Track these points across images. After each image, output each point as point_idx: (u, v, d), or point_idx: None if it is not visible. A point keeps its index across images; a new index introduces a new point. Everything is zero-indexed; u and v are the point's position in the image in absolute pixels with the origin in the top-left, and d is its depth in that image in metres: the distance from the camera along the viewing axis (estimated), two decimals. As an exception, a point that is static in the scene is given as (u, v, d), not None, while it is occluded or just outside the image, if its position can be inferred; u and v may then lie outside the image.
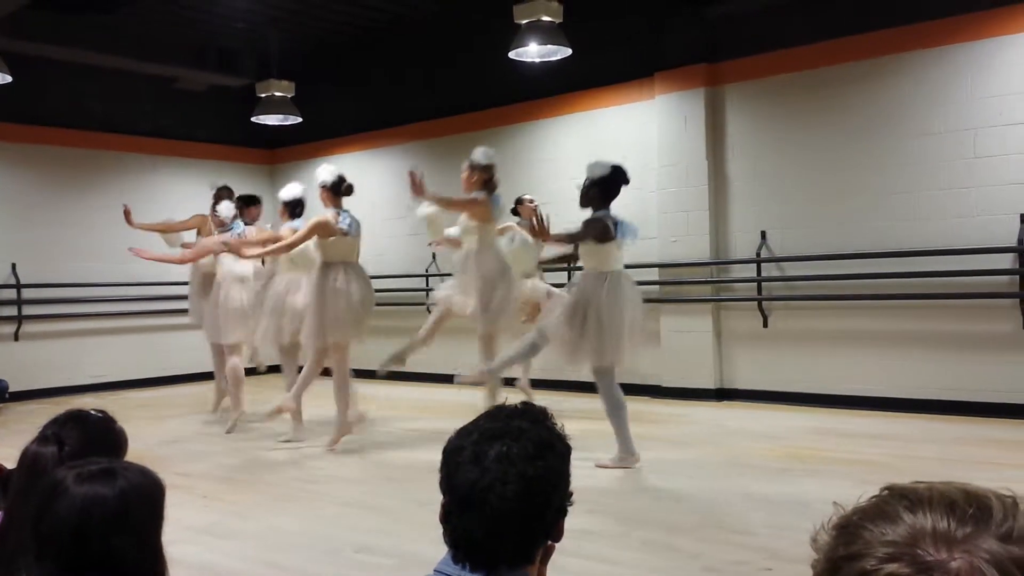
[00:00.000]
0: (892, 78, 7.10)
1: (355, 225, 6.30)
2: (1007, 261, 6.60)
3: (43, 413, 2.18)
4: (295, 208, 6.92)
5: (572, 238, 5.49)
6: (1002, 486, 0.76)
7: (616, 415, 5.45)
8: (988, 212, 6.67)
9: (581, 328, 5.32)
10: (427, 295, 10.07)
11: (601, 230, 5.31)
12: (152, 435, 6.96)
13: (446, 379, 9.48)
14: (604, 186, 5.43)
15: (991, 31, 6.66)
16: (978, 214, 6.71)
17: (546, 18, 6.94)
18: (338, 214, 6.21)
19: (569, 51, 7.24)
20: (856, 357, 7.32)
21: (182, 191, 11.03)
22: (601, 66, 8.64)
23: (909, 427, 6.43)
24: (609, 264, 5.38)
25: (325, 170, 6.41)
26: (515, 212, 7.77)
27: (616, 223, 5.39)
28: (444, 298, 6.44)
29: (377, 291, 10.61)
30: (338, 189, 6.31)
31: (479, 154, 6.24)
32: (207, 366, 8.25)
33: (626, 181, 5.50)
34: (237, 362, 7.24)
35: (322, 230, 6.12)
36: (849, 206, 7.31)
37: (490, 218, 6.17)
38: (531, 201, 7.58)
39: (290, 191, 7.01)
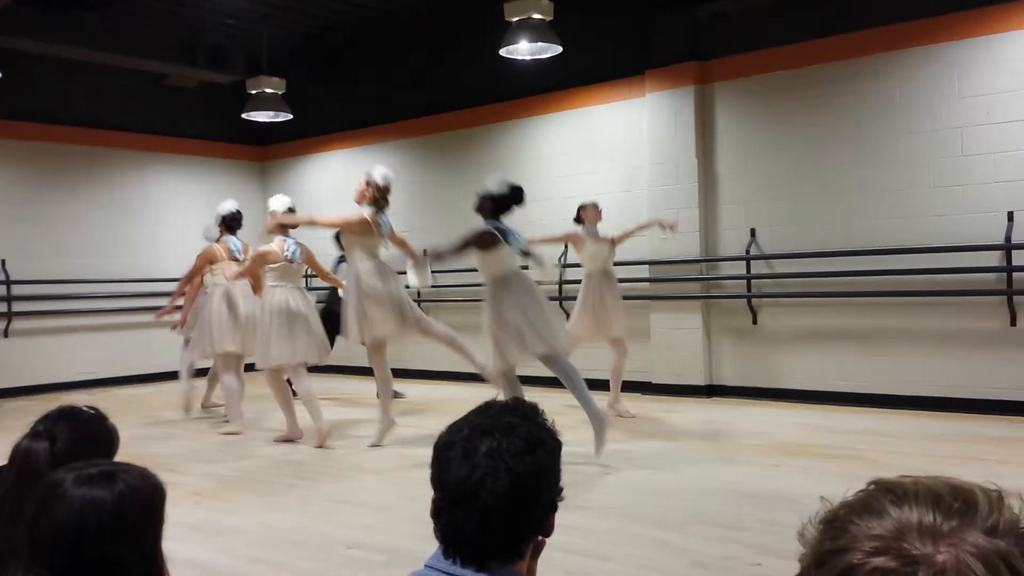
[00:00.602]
0: (881, 77, 7.13)
1: (299, 252, 6.66)
2: (994, 258, 6.64)
3: (33, 410, 2.18)
4: (231, 223, 7.41)
5: (456, 248, 5.67)
6: (988, 481, 0.77)
7: (576, 387, 5.53)
8: (975, 210, 6.70)
9: (513, 327, 5.52)
10: (418, 291, 10.05)
11: (479, 238, 5.62)
12: (143, 432, 6.95)
13: (439, 376, 9.50)
14: (498, 201, 5.72)
15: (979, 30, 6.69)
16: (966, 212, 6.75)
17: (537, 16, 6.94)
18: (284, 241, 6.61)
19: (560, 49, 7.24)
20: (845, 354, 7.35)
21: (172, 188, 11.02)
22: (592, 64, 8.64)
23: (897, 423, 6.46)
24: (507, 267, 5.67)
25: (277, 200, 6.81)
26: (578, 220, 7.20)
27: (504, 231, 5.65)
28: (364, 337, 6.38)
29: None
30: None
31: (377, 173, 6.40)
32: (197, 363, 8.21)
33: (520, 202, 5.79)
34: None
35: (265, 260, 6.60)
36: (838, 204, 7.34)
37: (368, 232, 6.27)
38: (595, 205, 7.21)
39: (225, 206, 7.45)
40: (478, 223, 5.73)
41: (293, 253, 6.61)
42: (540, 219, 9.01)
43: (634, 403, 7.63)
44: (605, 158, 8.73)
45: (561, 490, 1.47)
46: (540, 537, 1.45)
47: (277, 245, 6.60)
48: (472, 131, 9.78)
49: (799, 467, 5.20)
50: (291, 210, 6.76)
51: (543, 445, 1.43)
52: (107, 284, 10.22)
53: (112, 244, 10.50)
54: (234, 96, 10.26)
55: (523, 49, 7.29)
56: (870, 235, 7.16)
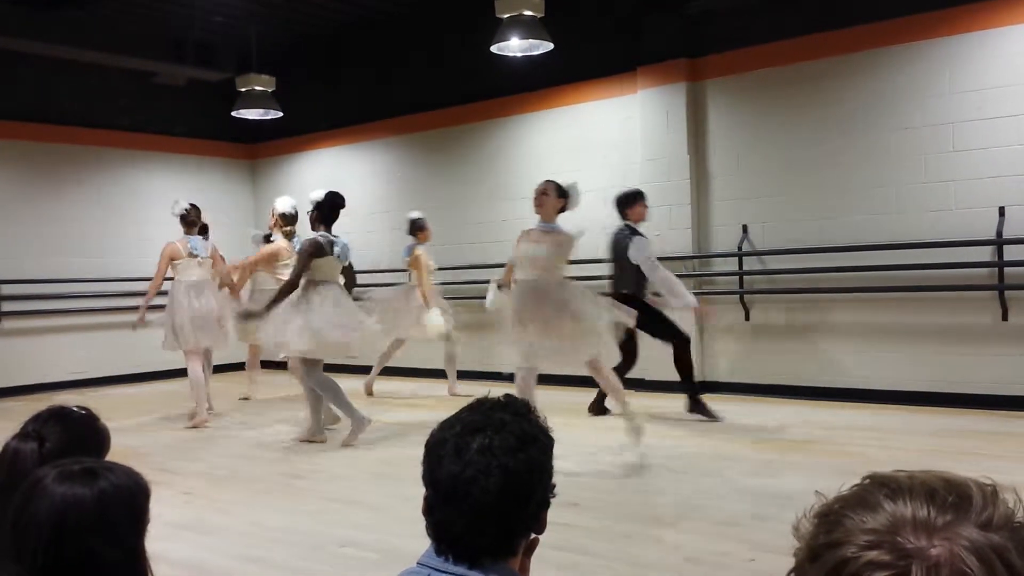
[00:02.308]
0: (872, 73, 7.14)
1: (202, 249, 7.51)
2: (986, 254, 6.66)
3: (22, 410, 2.16)
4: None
5: (294, 273, 6.33)
6: (983, 475, 0.77)
7: (332, 398, 6.32)
8: (967, 205, 6.72)
9: (302, 326, 6.15)
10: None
11: (307, 250, 6.23)
12: (133, 432, 6.93)
13: (429, 373, 9.49)
14: (322, 209, 6.35)
15: (970, 26, 6.70)
16: (957, 207, 6.77)
17: (528, 12, 6.92)
18: (187, 241, 7.48)
19: (551, 45, 7.23)
20: (837, 349, 7.37)
21: (161, 186, 10.97)
22: (583, 60, 8.64)
23: (891, 419, 6.47)
24: (324, 276, 6.27)
25: (176, 204, 7.62)
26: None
27: (331, 243, 6.28)
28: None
29: (359, 286, 10.58)
30: (185, 219, 7.53)
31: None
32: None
33: (341, 204, 6.45)
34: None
35: (169, 257, 7.43)
36: (830, 200, 7.35)
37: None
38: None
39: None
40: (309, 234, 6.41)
41: (195, 249, 7.43)
42: (532, 216, 8.99)
43: (628, 399, 7.62)
44: (597, 155, 8.72)
45: (554, 487, 1.46)
46: (533, 535, 1.44)
47: (180, 243, 7.45)
48: (463, 128, 9.77)
49: (792, 463, 5.21)
50: (189, 210, 7.52)
51: (535, 442, 1.43)
52: (96, 283, 10.18)
53: (101, 243, 10.46)
54: (224, 94, 10.22)
55: (514, 46, 7.28)
56: (862, 231, 7.18)
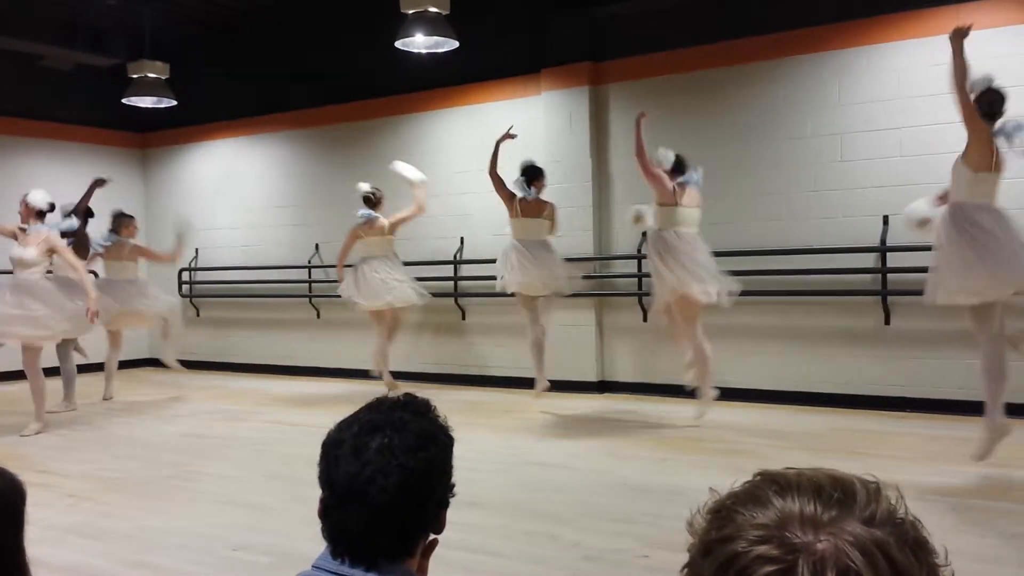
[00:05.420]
0: (768, 82, 7.37)
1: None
2: (870, 260, 6.96)
3: None
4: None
5: None
6: (866, 472, 0.79)
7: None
8: (853, 213, 7.00)
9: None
10: (310, 287, 9.88)
11: None
12: (13, 432, 6.60)
13: (328, 372, 9.35)
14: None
15: (860, 40, 6.98)
16: (844, 215, 7.05)
17: (433, 9, 6.90)
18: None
19: (456, 43, 7.22)
20: (730, 351, 7.56)
21: (48, 174, 10.47)
22: (489, 60, 8.64)
23: (781, 418, 6.69)
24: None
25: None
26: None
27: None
28: None
29: (256, 282, 10.37)
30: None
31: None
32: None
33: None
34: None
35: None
36: (724, 206, 7.53)
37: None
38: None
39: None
40: None
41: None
42: (436, 214, 8.97)
43: (527, 398, 7.68)
44: (501, 155, 8.72)
45: (453, 486, 1.46)
46: (432, 535, 1.44)
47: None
48: (366, 124, 9.65)
49: (688, 462, 5.33)
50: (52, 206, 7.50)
51: (435, 441, 1.42)
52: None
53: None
54: (114, 80, 9.84)
55: (419, 42, 7.24)
56: (753, 236, 7.39)
